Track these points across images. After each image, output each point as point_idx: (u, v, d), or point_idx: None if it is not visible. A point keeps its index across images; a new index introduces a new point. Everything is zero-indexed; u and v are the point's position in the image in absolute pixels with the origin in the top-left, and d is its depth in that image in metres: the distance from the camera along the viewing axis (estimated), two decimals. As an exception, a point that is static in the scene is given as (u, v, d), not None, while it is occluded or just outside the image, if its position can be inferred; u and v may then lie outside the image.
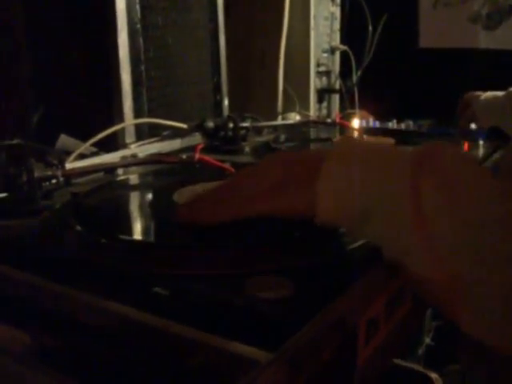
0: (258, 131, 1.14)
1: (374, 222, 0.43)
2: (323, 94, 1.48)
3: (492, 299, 0.38)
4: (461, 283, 0.39)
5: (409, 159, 0.42)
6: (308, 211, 0.46)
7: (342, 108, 1.49)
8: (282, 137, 1.12)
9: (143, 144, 1.03)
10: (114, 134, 0.98)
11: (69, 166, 0.76)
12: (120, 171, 0.83)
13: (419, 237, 0.39)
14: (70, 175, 0.72)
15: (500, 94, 1.07)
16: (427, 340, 0.97)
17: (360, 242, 0.53)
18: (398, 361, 0.59)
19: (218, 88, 1.28)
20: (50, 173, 0.69)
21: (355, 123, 1.14)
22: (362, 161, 0.45)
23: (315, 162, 0.46)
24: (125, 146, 1.02)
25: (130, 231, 0.59)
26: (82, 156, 0.90)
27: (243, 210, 0.50)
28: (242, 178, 0.54)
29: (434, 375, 0.61)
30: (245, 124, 1.03)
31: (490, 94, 1.09)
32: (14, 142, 0.72)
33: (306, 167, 0.47)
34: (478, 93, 1.12)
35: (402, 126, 1.17)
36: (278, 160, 0.52)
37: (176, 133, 1.05)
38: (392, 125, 1.18)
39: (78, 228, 0.55)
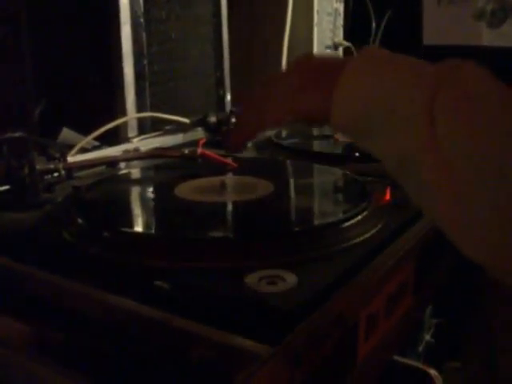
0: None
1: (384, 129, 0.42)
2: (326, 90, 1.47)
3: (485, 210, 0.37)
4: (462, 188, 0.38)
5: (433, 71, 0.42)
6: (324, 111, 0.45)
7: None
8: (284, 132, 1.12)
9: (145, 138, 1.03)
10: (116, 127, 0.98)
11: (70, 159, 0.76)
12: (122, 165, 0.83)
13: (428, 146, 0.39)
14: (71, 168, 0.72)
15: None
16: (427, 337, 0.97)
17: (362, 238, 0.53)
18: (397, 357, 0.59)
19: (220, 83, 1.28)
20: (51, 166, 0.69)
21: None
22: (384, 63, 0.44)
23: (333, 70, 0.45)
24: (127, 140, 1.02)
25: (131, 224, 0.59)
26: (83, 150, 0.90)
27: (268, 114, 0.50)
28: (263, 84, 0.53)
29: (433, 372, 0.61)
30: (247, 119, 1.03)
31: None
32: (16, 135, 0.72)
33: (329, 67, 0.47)
34: None
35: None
36: (297, 64, 0.51)
37: (178, 127, 1.05)
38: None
39: (80, 221, 0.55)
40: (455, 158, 0.38)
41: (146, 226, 0.60)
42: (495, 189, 0.36)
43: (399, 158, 0.41)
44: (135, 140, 1.02)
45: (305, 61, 0.51)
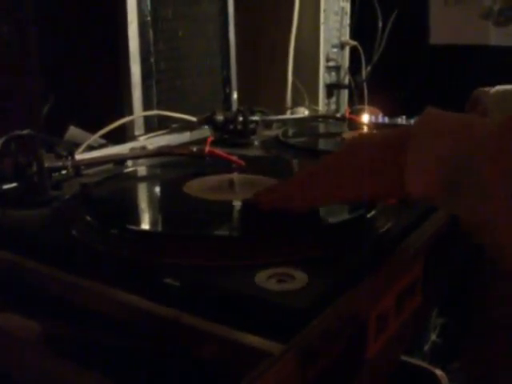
0: (267, 125, 1.13)
1: (462, 193, 0.42)
2: (332, 89, 1.47)
3: None
4: None
5: (493, 131, 0.42)
6: (395, 191, 0.46)
7: (351, 103, 1.49)
8: (291, 131, 1.11)
9: (152, 136, 1.03)
10: (123, 126, 0.98)
11: (78, 157, 0.76)
12: (129, 163, 0.83)
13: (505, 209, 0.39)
14: (79, 166, 0.72)
15: (510, 87, 1.05)
16: (433, 337, 0.97)
17: (372, 237, 0.53)
18: (404, 357, 0.59)
19: (227, 81, 1.28)
20: (59, 163, 0.69)
21: (365, 118, 1.13)
22: (448, 132, 0.44)
23: (398, 141, 0.46)
24: (133, 138, 1.02)
25: (140, 222, 0.59)
26: (90, 148, 0.90)
27: (332, 196, 0.51)
28: (322, 164, 0.54)
29: (439, 372, 0.61)
30: (254, 118, 1.03)
31: (500, 87, 1.07)
32: (24, 132, 0.72)
33: (390, 148, 0.47)
34: (487, 88, 1.11)
35: (411, 122, 1.16)
36: (361, 144, 0.52)
37: (185, 125, 1.05)
38: (401, 121, 1.18)
39: (88, 218, 0.55)
40: None
41: (155, 222, 0.60)
42: None
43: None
44: (142, 138, 1.02)
45: (357, 141, 0.52)
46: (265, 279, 0.42)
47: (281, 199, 0.53)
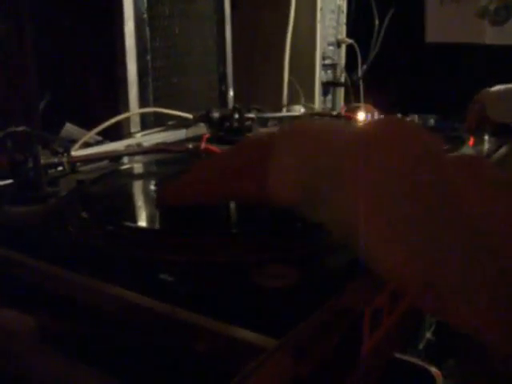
0: (263, 122, 1.14)
1: (323, 201, 0.40)
2: (328, 86, 1.48)
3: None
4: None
5: (358, 138, 0.40)
6: (260, 194, 0.44)
7: (347, 101, 1.49)
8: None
9: (148, 133, 1.03)
10: (119, 123, 0.99)
11: (74, 154, 0.77)
12: (125, 160, 0.83)
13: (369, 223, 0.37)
14: (75, 162, 0.72)
15: (510, 86, 1.05)
16: (428, 335, 0.97)
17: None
18: (398, 355, 0.59)
19: (223, 79, 1.28)
20: (55, 160, 0.70)
21: (360, 116, 1.13)
22: (312, 137, 0.43)
23: (266, 143, 0.44)
24: (130, 135, 1.02)
25: (135, 218, 0.59)
26: (86, 145, 0.90)
27: (205, 195, 0.50)
28: (208, 160, 0.55)
29: (434, 369, 0.61)
30: (250, 115, 1.03)
31: (500, 86, 1.08)
32: (20, 129, 0.72)
33: (258, 150, 0.46)
34: (489, 89, 1.11)
35: (408, 120, 1.16)
36: (239, 145, 0.51)
37: (181, 123, 1.05)
38: (397, 119, 1.18)
39: (84, 215, 0.55)
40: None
41: (151, 219, 0.61)
42: None
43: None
44: (138, 135, 1.02)
45: (244, 141, 0.52)
46: (259, 276, 0.42)
47: (175, 194, 0.53)
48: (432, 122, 1.16)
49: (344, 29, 1.51)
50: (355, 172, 0.38)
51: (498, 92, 1.07)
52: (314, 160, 0.41)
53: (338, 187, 0.39)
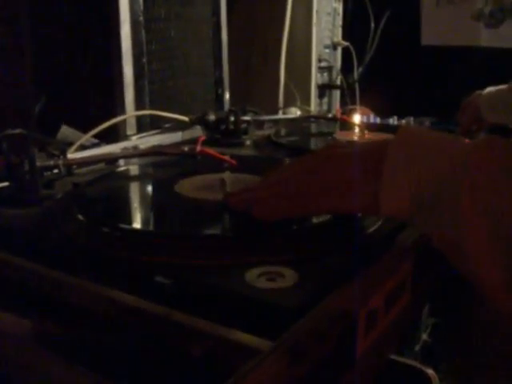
0: (259, 125, 1.14)
1: (434, 216, 0.43)
2: (324, 89, 1.48)
3: None
4: None
5: (468, 151, 0.42)
6: (373, 209, 0.46)
7: (343, 104, 1.49)
8: (283, 131, 1.12)
9: (144, 136, 1.03)
10: (115, 125, 0.98)
11: (70, 156, 0.77)
12: (121, 162, 0.83)
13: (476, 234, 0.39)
14: (71, 165, 0.72)
15: (503, 87, 1.06)
16: (424, 336, 0.97)
17: (362, 235, 0.53)
18: (394, 357, 0.59)
19: (219, 81, 1.28)
20: (51, 162, 0.69)
21: (356, 119, 1.14)
22: (424, 154, 0.44)
23: (376, 157, 0.46)
24: (126, 137, 1.02)
25: (131, 221, 0.59)
26: (82, 147, 0.90)
27: (307, 208, 0.51)
28: (295, 172, 0.54)
29: (430, 371, 0.61)
30: (246, 118, 1.03)
31: (492, 88, 1.08)
32: (16, 131, 0.72)
33: (359, 163, 0.47)
34: (480, 91, 1.12)
35: (403, 122, 1.17)
36: (332, 157, 0.52)
37: (177, 125, 1.05)
38: (393, 121, 1.18)
39: (80, 217, 0.55)
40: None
41: (147, 222, 0.61)
42: None
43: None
44: (134, 138, 1.02)
45: (333, 152, 0.52)
46: (255, 277, 0.42)
47: (251, 203, 0.52)
48: (427, 124, 1.16)
49: (340, 31, 1.51)
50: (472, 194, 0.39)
51: (491, 94, 1.07)
52: (430, 180, 0.43)
53: (456, 199, 0.40)
